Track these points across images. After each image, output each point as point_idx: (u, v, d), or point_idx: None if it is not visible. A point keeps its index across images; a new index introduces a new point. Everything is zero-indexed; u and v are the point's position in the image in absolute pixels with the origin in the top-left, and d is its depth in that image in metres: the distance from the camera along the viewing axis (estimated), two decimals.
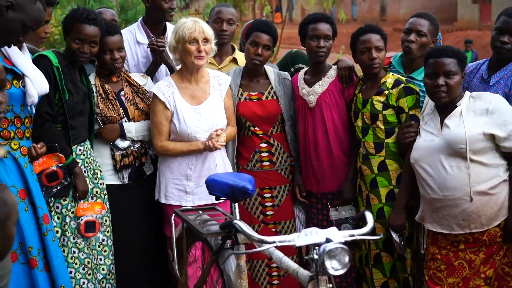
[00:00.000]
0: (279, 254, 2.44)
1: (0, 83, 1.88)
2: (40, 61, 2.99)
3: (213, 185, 2.84)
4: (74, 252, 3.07)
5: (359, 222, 3.03)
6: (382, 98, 3.22)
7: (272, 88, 3.60)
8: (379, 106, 3.22)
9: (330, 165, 3.46)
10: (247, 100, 3.58)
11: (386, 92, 3.21)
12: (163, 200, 3.43)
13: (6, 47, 2.77)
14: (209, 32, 3.32)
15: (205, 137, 3.33)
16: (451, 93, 2.80)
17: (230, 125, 3.50)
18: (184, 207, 3.19)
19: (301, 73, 3.63)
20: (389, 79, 3.25)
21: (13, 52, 2.79)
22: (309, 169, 3.52)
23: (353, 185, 3.43)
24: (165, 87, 3.37)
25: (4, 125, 2.76)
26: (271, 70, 3.65)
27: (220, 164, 3.45)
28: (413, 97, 3.18)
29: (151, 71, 3.76)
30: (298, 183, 3.60)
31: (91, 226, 3.13)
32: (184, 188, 3.40)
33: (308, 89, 3.50)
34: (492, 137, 2.75)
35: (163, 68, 3.78)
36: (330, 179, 3.48)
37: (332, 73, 3.51)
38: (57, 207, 3.05)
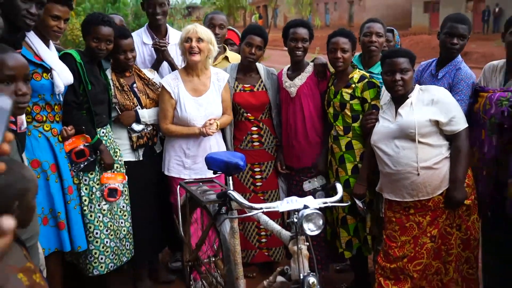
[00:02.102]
0: (265, 218, 2.46)
1: (25, 77, 1.83)
2: (66, 58, 2.95)
3: (211, 162, 2.83)
4: (99, 216, 3.06)
5: (331, 191, 3.04)
6: (349, 90, 3.21)
7: (262, 81, 3.58)
8: (347, 97, 3.21)
9: (306, 145, 3.46)
10: (242, 91, 3.57)
11: (353, 85, 3.20)
12: (166, 172, 3.43)
13: (36, 46, 2.71)
14: (204, 33, 3.27)
15: (201, 124, 3.31)
16: (406, 86, 2.80)
17: (226, 114, 3.47)
18: (187, 180, 3.19)
19: (284, 69, 3.61)
20: (356, 74, 3.24)
21: (42, 49, 2.74)
22: (290, 148, 3.52)
23: (325, 160, 3.43)
24: (172, 80, 3.35)
25: (37, 110, 2.75)
26: (261, 66, 3.64)
27: (214, 145, 3.42)
28: (374, 90, 3.18)
29: (155, 67, 3.73)
30: (280, 159, 3.60)
31: (113, 192, 3.12)
32: (182, 163, 3.39)
33: (290, 82, 3.48)
34: (436, 123, 2.75)
35: (165, 64, 3.75)
36: (306, 156, 3.48)
37: (309, 69, 3.49)
38: (85, 180, 3.02)
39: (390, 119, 2.87)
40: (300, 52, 3.40)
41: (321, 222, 2.07)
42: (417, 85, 2.90)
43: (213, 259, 2.92)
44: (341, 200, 2.30)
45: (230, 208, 2.63)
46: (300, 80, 3.46)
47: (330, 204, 2.23)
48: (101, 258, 3.07)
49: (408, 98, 2.82)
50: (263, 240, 3.68)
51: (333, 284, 3.59)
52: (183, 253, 3.26)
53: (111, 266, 3.13)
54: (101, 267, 3.08)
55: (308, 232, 2.06)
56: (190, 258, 3.06)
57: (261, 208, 2.19)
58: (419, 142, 2.73)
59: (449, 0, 27.52)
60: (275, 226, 2.38)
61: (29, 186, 1.54)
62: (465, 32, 3.01)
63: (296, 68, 3.51)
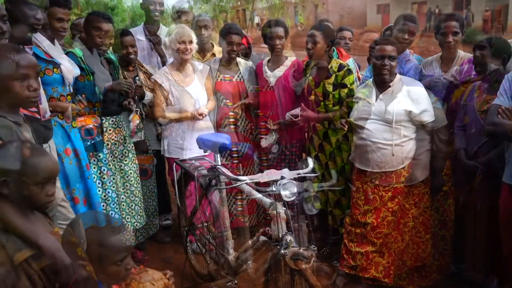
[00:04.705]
0: (248, 188, 2.45)
1: (36, 74, 1.82)
2: (69, 55, 2.87)
3: (202, 142, 2.82)
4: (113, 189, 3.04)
5: (304, 165, 3.02)
6: (331, 80, 3.14)
7: (240, 73, 3.54)
8: (329, 88, 3.15)
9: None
10: (222, 81, 3.51)
11: (334, 75, 3.13)
12: (166, 155, 3.41)
13: (45, 45, 2.66)
14: (193, 36, 3.28)
15: (191, 108, 3.31)
16: (391, 72, 2.72)
17: (210, 100, 3.44)
18: (182, 158, 3.17)
19: (264, 61, 3.55)
20: (334, 63, 3.16)
21: (50, 48, 2.68)
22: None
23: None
24: (162, 75, 3.32)
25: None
26: (241, 61, 3.59)
27: (204, 128, 3.39)
28: (352, 76, 3.13)
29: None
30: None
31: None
32: (181, 145, 3.36)
33: (270, 73, 3.46)
34: (409, 112, 2.69)
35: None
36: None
37: (287, 63, 3.46)
38: (94, 161, 2.96)
39: (370, 101, 2.79)
40: (278, 48, 3.37)
41: (295, 189, 2.06)
42: (398, 75, 2.81)
43: (206, 224, 2.92)
44: (313, 171, 2.28)
45: (218, 181, 2.62)
46: (279, 72, 3.43)
47: (303, 174, 2.22)
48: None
49: (390, 86, 2.75)
50: (239, 209, 3.67)
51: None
52: (178, 218, 3.25)
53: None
54: None
55: (285, 198, 2.06)
56: (186, 224, 3.06)
57: (245, 180, 2.18)
58: (393, 125, 2.67)
59: (398, 4, 27.67)
60: (257, 194, 2.36)
61: (53, 172, 1.58)
62: (414, 30, 3.03)
63: (276, 61, 3.47)
